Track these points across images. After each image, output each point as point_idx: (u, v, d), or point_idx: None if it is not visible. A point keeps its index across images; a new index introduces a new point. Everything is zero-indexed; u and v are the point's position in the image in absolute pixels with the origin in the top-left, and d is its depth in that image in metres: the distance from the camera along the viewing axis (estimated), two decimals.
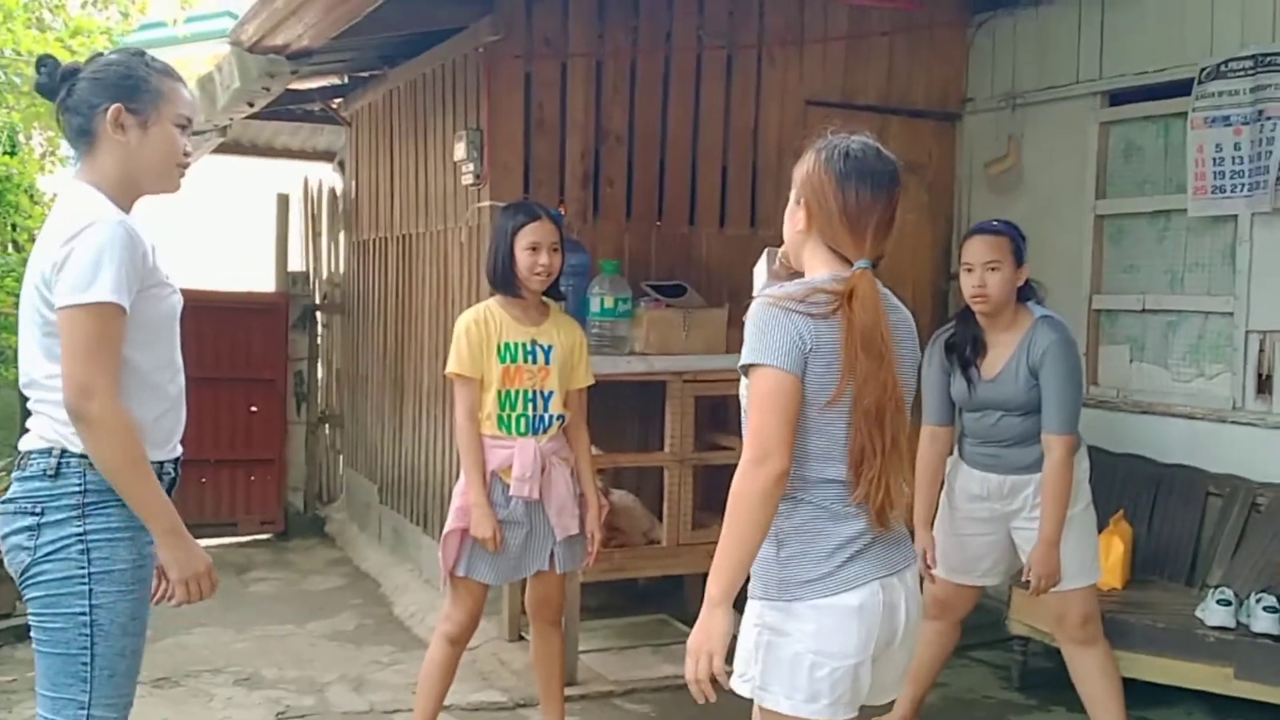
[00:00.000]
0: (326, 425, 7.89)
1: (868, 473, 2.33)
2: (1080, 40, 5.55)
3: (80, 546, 2.41)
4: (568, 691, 4.22)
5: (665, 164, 5.54)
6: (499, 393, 3.73)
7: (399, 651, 5.13)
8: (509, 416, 3.72)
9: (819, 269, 2.42)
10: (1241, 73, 4.76)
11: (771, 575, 2.37)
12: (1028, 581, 3.82)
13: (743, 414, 2.42)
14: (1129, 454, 5.16)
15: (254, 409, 7.35)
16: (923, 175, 6.13)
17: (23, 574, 2.45)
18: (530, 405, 3.75)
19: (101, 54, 2.65)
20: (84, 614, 2.42)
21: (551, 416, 3.79)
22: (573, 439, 3.89)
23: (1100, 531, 4.14)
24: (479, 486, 3.69)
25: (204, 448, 7.11)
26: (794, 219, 2.46)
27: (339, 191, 8.00)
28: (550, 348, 3.79)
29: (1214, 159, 4.88)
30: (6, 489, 2.53)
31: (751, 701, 2.46)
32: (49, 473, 2.42)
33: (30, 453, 2.46)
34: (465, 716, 4.37)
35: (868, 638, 2.35)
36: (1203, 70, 4.92)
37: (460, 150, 5.26)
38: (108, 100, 2.49)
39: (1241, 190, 4.78)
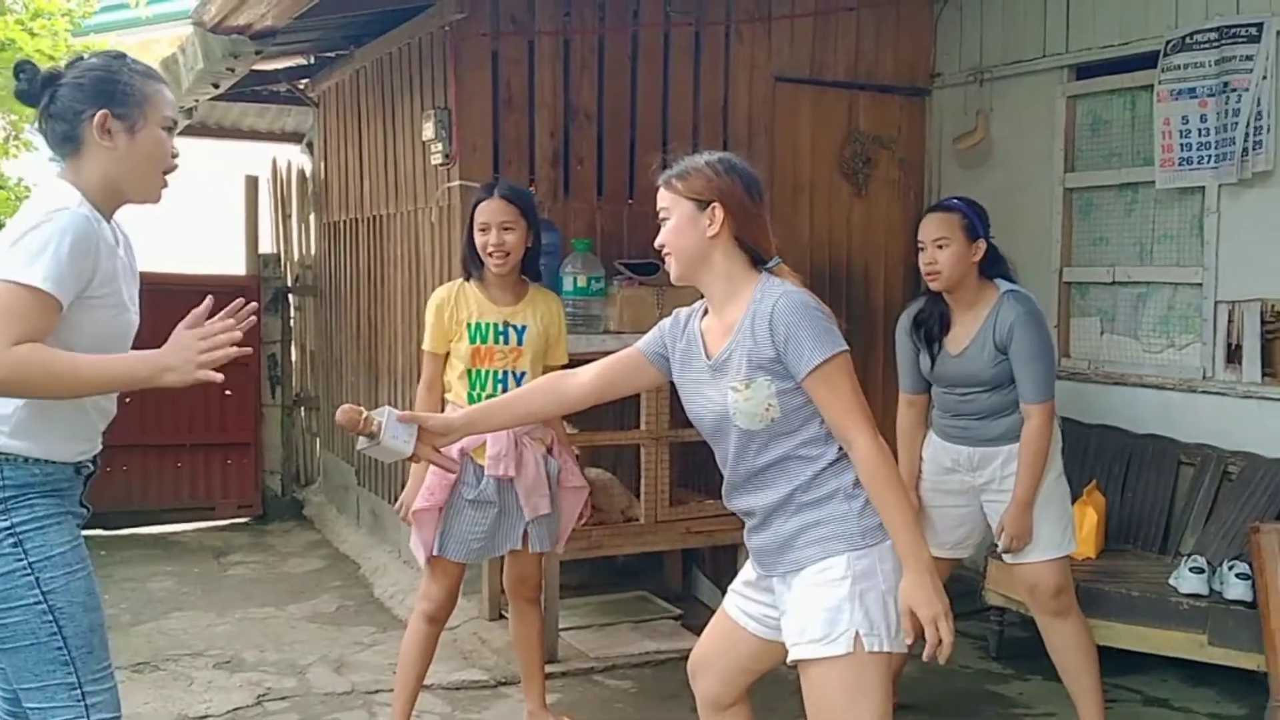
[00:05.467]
0: (302, 408, 7.86)
1: None
2: (1046, 14, 5.57)
3: (11, 540, 2.39)
4: (549, 669, 4.24)
5: (635, 141, 5.53)
6: (469, 371, 3.74)
7: (379, 632, 5.14)
8: (479, 396, 3.72)
9: (744, 269, 2.58)
10: (1207, 45, 4.79)
11: (853, 527, 2.49)
12: (998, 547, 3.88)
13: (737, 417, 2.51)
14: (1101, 425, 5.21)
15: (228, 392, 7.27)
16: (893, 150, 6.15)
17: None
18: (501, 386, 3.73)
19: (81, 58, 2.58)
20: (39, 602, 2.40)
21: None
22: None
23: (1074, 502, 4.18)
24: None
25: (179, 432, 7.11)
26: (697, 225, 2.55)
27: (308, 173, 7.95)
28: (524, 328, 3.78)
29: (1180, 131, 4.91)
30: None
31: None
32: None
33: None
34: (447, 695, 4.39)
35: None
36: (1168, 43, 4.94)
37: (429, 130, 5.24)
38: (93, 106, 2.45)
39: (1208, 162, 4.82)
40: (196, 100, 6.65)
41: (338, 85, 7.01)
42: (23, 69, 2.52)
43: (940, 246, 3.81)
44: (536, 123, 5.31)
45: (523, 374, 3.76)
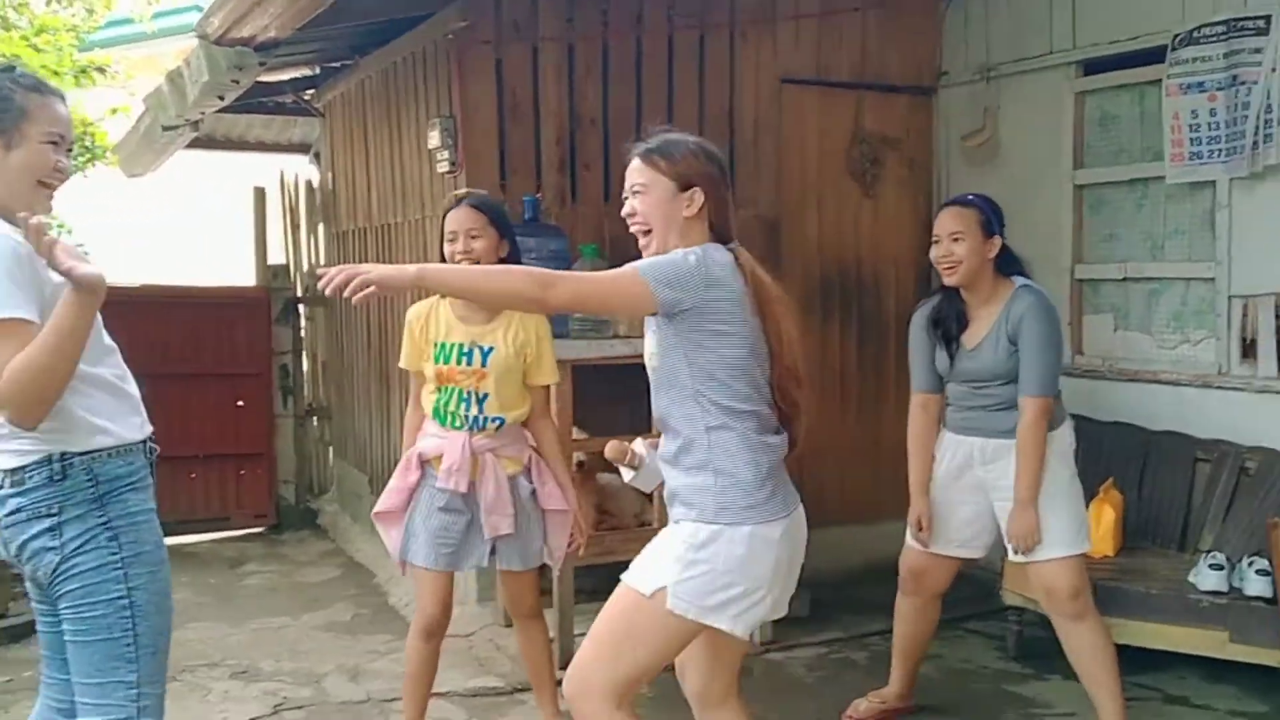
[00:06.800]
0: (314, 417, 7.87)
1: (789, 409, 2.73)
2: (1053, 10, 5.54)
3: (108, 534, 2.47)
4: (562, 676, 4.21)
5: None
6: (437, 387, 3.70)
7: (395, 640, 5.12)
8: (445, 411, 3.67)
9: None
10: (1215, 38, 4.76)
11: (708, 501, 2.64)
12: (1008, 550, 3.86)
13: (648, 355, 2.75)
14: (1117, 422, 5.18)
15: (240, 403, 7.33)
16: (900, 150, 6.13)
17: (54, 573, 2.47)
18: (464, 405, 3.65)
19: None
20: (123, 597, 2.48)
21: (488, 418, 3.65)
22: (537, 435, 3.80)
23: (1090, 500, 4.16)
24: (400, 470, 3.76)
25: (192, 443, 7.09)
26: (676, 204, 2.71)
27: (316, 183, 7.95)
28: (490, 349, 3.65)
29: (1190, 125, 4.88)
30: None
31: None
32: (55, 477, 2.44)
33: (23, 467, 2.44)
34: (464, 703, 4.38)
35: (776, 567, 2.66)
36: (1176, 37, 4.91)
37: (434, 138, 5.24)
38: None
39: (1219, 156, 4.79)
40: (203, 113, 6.66)
41: (343, 95, 7.02)
42: None
43: (955, 240, 3.80)
44: (542, 129, 5.30)
45: (485, 395, 3.65)
